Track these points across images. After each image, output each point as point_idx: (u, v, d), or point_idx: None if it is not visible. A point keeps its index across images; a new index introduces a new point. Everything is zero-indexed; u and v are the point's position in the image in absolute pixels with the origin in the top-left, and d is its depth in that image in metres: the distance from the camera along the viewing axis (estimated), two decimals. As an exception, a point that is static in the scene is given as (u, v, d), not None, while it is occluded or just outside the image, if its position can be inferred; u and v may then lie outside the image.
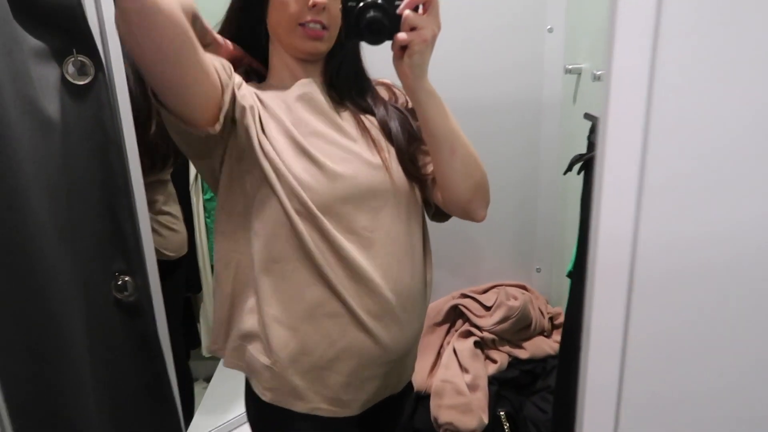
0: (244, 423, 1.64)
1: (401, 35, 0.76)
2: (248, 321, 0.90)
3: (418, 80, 0.80)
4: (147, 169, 1.54)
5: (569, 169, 1.08)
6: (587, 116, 1.03)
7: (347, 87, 0.92)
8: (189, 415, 1.67)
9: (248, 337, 0.91)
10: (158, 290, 1.34)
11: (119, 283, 1.22)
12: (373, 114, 0.92)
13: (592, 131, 1.00)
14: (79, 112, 1.03)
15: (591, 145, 1.01)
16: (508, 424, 1.48)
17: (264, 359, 0.89)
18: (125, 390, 1.23)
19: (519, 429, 1.50)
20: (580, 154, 1.03)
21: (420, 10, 0.77)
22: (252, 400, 0.95)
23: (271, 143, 0.83)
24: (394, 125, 0.90)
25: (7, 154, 0.89)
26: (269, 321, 0.87)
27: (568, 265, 1.21)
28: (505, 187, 1.58)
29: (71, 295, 1.08)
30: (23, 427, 0.98)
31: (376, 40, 0.78)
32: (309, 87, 0.88)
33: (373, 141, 0.88)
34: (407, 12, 0.75)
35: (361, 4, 0.76)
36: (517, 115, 1.70)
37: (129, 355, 1.24)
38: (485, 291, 1.73)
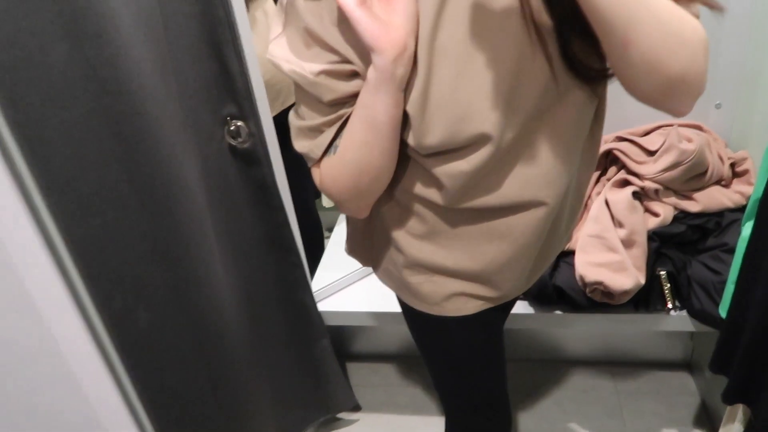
0: (368, 275, 1.65)
1: None
2: None
3: None
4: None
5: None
6: None
7: None
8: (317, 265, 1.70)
9: None
10: (273, 136, 1.27)
11: (232, 128, 1.17)
12: None
13: None
14: None
15: None
16: (668, 285, 1.33)
17: None
18: (247, 241, 1.23)
19: (681, 291, 1.35)
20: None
21: None
22: None
23: None
24: None
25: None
26: None
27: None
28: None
29: (183, 140, 1.03)
30: (147, 278, 0.99)
31: None
32: None
33: None
34: None
35: None
36: None
37: (248, 204, 1.22)
38: (647, 133, 1.49)
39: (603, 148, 1.48)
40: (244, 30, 1.15)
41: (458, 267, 0.83)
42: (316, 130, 0.74)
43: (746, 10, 1.41)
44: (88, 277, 0.79)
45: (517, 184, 0.75)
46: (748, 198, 1.37)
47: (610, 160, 1.50)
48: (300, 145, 0.76)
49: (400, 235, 0.84)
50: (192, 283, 1.05)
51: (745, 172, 1.42)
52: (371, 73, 0.65)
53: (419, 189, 0.78)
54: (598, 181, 1.50)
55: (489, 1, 0.64)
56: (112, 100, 0.86)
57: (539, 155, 0.74)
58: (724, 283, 1.20)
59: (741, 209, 1.38)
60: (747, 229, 1.08)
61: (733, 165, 1.44)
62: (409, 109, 0.68)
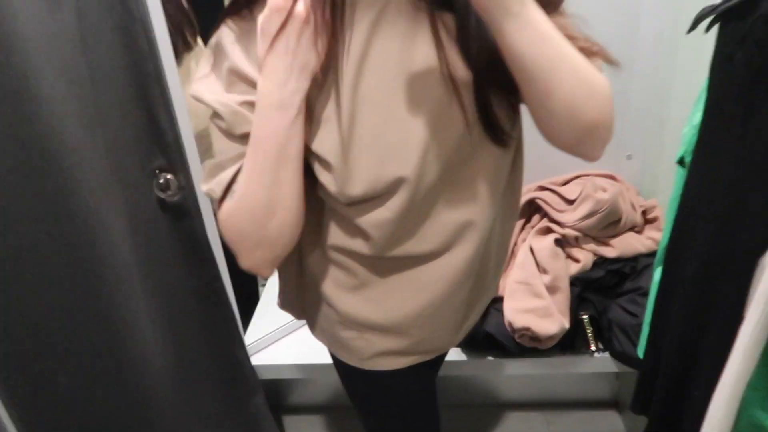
0: (303, 325, 1.64)
1: None
2: None
3: None
4: (180, 51, 1.42)
5: (694, 26, 0.88)
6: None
7: None
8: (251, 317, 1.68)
9: None
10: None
11: (161, 181, 1.16)
12: None
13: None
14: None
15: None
16: (591, 329, 1.40)
17: None
18: (178, 297, 1.21)
19: (603, 333, 1.42)
20: (713, 6, 0.83)
21: None
22: None
23: None
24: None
25: (8, 30, 0.78)
26: None
27: (680, 150, 1.04)
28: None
29: (109, 194, 1.02)
30: (68, 341, 0.96)
31: None
32: None
33: None
34: None
35: None
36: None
37: (178, 259, 1.21)
38: (566, 182, 1.59)
39: (526, 197, 1.55)
40: (173, 82, 1.15)
41: (388, 321, 0.84)
42: (220, 167, 0.72)
43: (652, 69, 1.54)
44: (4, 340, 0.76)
45: (440, 227, 0.77)
46: (659, 243, 1.47)
47: (533, 208, 1.58)
48: (205, 184, 0.73)
49: (329, 289, 0.84)
50: (118, 346, 1.01)
51: (656, 219, 1.53)
52: (294, 98, 0.65)
53: (346, 241, 0.79)
54: (523, 228, 1.57)
55: (409, 52, 0.68)
56: (33, 158, 0.85)
57: (460, 199, 0.76)
58: (641, 325, 1.27)
59: (653, 254, 1.48)
60: (657, 274, 1.16)
61: (644, 212, 1.54)
62: (331, 157, 0.68)
